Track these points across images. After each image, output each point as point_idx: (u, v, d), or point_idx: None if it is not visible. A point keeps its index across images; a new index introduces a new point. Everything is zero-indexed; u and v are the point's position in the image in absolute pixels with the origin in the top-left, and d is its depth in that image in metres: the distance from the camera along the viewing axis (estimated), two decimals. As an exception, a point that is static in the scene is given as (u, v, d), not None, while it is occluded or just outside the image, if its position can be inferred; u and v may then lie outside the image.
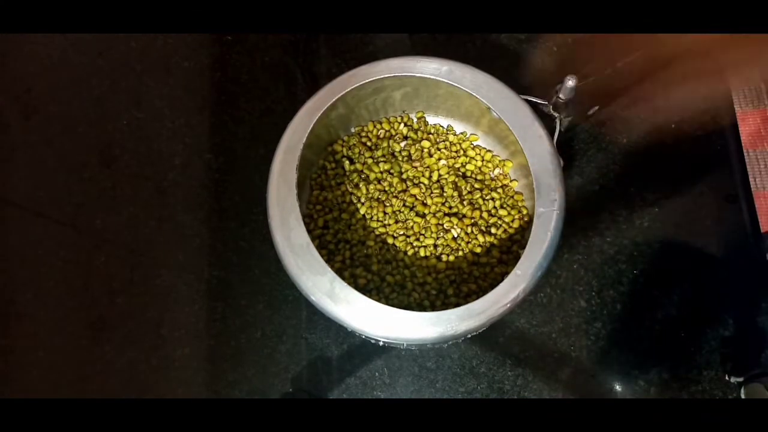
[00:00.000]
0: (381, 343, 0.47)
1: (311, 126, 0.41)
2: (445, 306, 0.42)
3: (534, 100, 0.43)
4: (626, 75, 0.46)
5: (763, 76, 0.51)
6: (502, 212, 0.45)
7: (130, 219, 0.51)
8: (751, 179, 0.50)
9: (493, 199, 0.45)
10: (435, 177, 0.46)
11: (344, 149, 0.47)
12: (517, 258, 0.37)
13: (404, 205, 0.45)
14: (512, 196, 0.46)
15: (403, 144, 0.48)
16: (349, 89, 0.41)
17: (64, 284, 0.50)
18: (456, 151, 0.47)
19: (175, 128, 0.54)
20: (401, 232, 0.44)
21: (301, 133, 0.40)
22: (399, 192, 0.46)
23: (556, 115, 0.44)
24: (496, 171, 0.47)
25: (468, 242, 0.44)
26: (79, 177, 0.52)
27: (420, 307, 0.42)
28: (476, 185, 0.46)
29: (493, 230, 0.44)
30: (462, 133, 0.48)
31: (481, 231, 0.44)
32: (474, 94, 0.41)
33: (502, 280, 0.37)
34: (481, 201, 0.45)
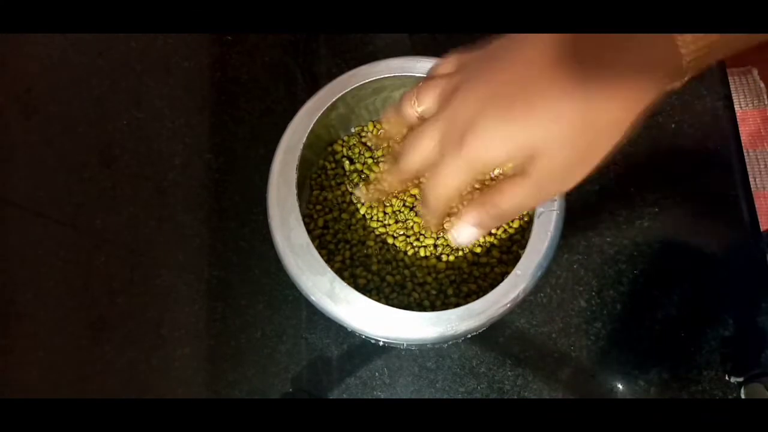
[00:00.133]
0: (381, 343, 0.47)
1: (311, 126, 0.41)
2: (445, 306, 0.42)
3: (534, 100, 0.43)
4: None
5: (763, 76, 0.51)
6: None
7: (130, 219, 0.51)
8: (751, 179, 0.50)
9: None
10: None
11: (344, 149, 0.47)
12: (517, 258, 0.37)
13: (404, 205, 0.45)
14: (512, 196, 0.46)
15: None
16: (349, 89, 0.41)
17: (64, 284, 0.50)
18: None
19: (175, 128, 0.54)
20: (401, 232, 0.44)
21: (301, 133, 0.40)
22: (399, 192, 0.46)
23: (556, 115, 0.43)
24: (496, 171, 0.47)
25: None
26: (79, 177, 0.52)
27: (420, 307, 0.42)
28: (476, 185, 0.46)
29: (493, 230, 0.44)
30: (462, 133, 0.48)
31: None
32: (474, 94, 0.41)
33: (502, 280, 0.37)
34: (481, 201, 0.45)
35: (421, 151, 0.31)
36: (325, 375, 0.48)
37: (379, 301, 0.37)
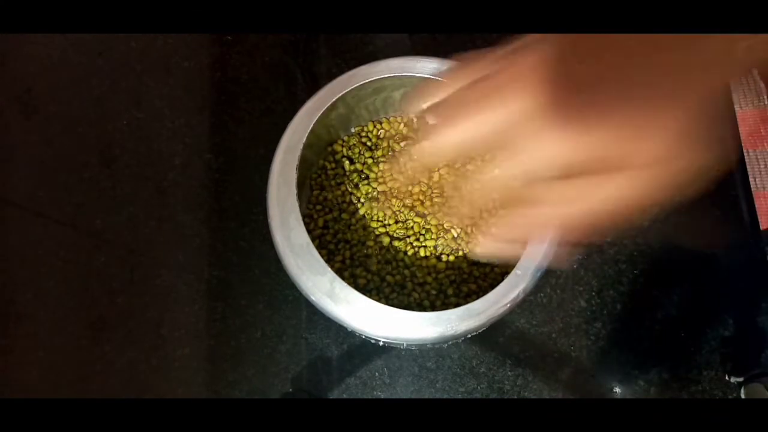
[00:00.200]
0: (381, 343, 0.47)
1: (311, 126, 0.41)
2: (445, 306, 0.42)
3: (534, 100, 0.43)
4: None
5: (763, 76, 0.51)
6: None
7: (130, 219, 0.51)
8: (751, 179, 0.50)
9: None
10: (435, 177, 0.46)
11: (344, 149, 0.47)
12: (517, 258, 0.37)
13: (404, 205, 0.45)
14: (512, 196, 0.46)
15: (403, 144, 0.48)
16: (349, 89, 0.41)
17: (64, 284, 0.50)
18: (456, 151, 0.47)
19: (175, 128, 0.54)
20: (401, 232, 0.44)
21: (301, 133, 0.40)
22: (398, 190, 0.46)
23: (556, 115, 0.43)
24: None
25: (468, 242, 0.44)
26: (79, 177, 0.52)
27: (420, 307, 0.42)
28: (476, 185, 0.46)
29: (493, 230, 0.44)
30: (462, 133, 0.48)
31: (481, 231, 0.44)
32: (474, 94, 0.41)
33: (502, 280, 0.37)
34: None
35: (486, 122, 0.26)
36: (325, 375, 0.48)
37: (379, 301, 0.37)
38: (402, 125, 0.48)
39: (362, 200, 0.46)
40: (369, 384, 0.47)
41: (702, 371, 0.47)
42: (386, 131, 0.48)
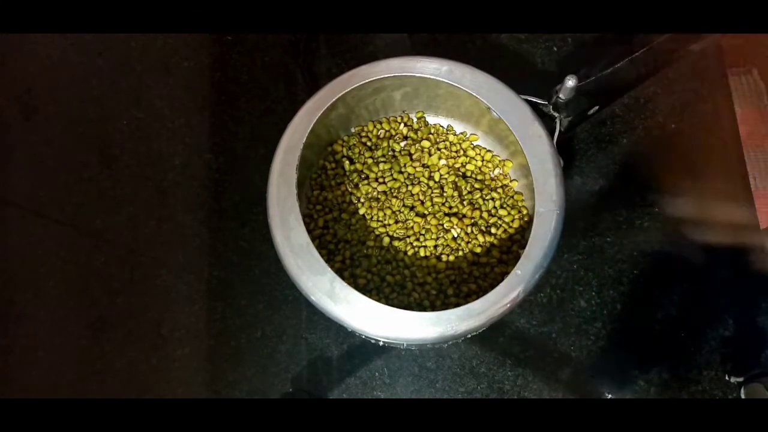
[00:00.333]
0: (381, 343, 0.47)
1: (311, 126, 0.41)
2: (445, 306, 0.42)
3: (534, 100, 0.43)
4: (626, 75, 0.46)
5: (763, 76, 0.51)
6: (502, 212, 0.45)
7: (130, 219, 0.51)
8: (751, 179, 0.50)
9: (493, 199, 0.45)
10: (436, 177, 0.46)
11: (344, 149, 0.47)
12: (517, 258, 0.37)
13: (404, 205, 0.45)
14: (512, 196, 0.46)
15: (403, 144, 0.48)
16: (349, 89, 0.41)
17: (64, 284, 0.50)
18: (456, 151, 0.47)
19: (175, 128, 0.54)
20: (401, 232, 0.44)
21: (301, 133, 0.40)
22: (398, 190, 0.46)
23: (556, 115, 0.44)
24: (496, 171, 0.47)
25: (468, 242, 0.44)
26: (79, 177, 0.52)
27: (420, 307, 0.42)
28: (476, 185, 0.46)
29: (493, 230, 0.44)
30: (462, 133, 0.48)
31: (481, 231, 0.44)
32: (474, 94, 0.41)
33: (502, 280, 0.37)
34: (481, 201, 0.45)
35: None
36: (325, 375, 0.48)
37: (379, 301, 0.37)
38: (402, 125, 0.48)
39: (362, 200, 0.46)
40: (369, 384, 0.47)
41: (702, 371, 0.47)
42: (386, 131, 0.48)
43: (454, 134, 0.48)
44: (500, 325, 0.48)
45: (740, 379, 0.46)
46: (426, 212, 0.45)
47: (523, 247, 0.38)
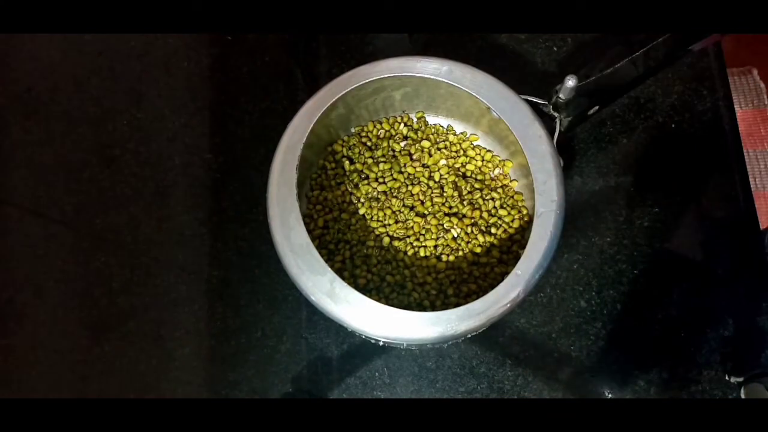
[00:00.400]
0: (381, 343, 0.47)
1: (311, 126, 0.41)
2: (445, 306, 0.42)
3: (534, 100, 0.43)
4: (626, 75, 0.46)
5: (763, 76, 0.51)
6: (502, 212, 0.45)
7: (130, 219, 0.51)
8: (751, 179, 0.50)
9: (493, 199, 0.45)
10: (436, 177, 0.46)
11: (344, 149, 0.47)
12: (517, 258, 0.37)
13: (404, 205, 0.45)
14: (512, 196, 0.46)
15: (403, 144, 0.48)
16: (349, 89, 0.41)
17: (64, 284, 0.50)
18: (456, 151, 0.47)
19: (175, 128, 0.54)
20: (401, 232, 0.45)
21: (301, 133, 0.40)
22: (398, 190, 0.46)
23: (556, 115, 0.44)
24: (496, 171, 0.47)
25: (468, 242, 0.44)
26: (79, 177, 0.52)
27: (420, 307, 0.42)
28: (476, 185, 0.46)
29: (493, 230, 0.44)
30: (462, 133, 0.48)
31: (481, 231, 0.44)
32: (474, 94, 0.41)
33: (502, 280, 0.37)
34: (481, 201, 0.45)
35: None
36: (325, 375, 0.48)
37: (379, 301, 0.37)
38: (402, 125, 0.48)
39: (362, 200, 0.46)
40: (369, 384, 0.47)
41: (702, 371, 0.47)
42: (386, 131, 0.48)
43: (454, 134, 0.48)
44: (500, 325, 0.48)
45: (740, 379, 0.46)
46: (426, 212, 0.45)
47: (523, 247, 0.38)
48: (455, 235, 0.44)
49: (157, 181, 0.52)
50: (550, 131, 0.41)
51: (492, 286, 0.37)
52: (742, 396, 0.45)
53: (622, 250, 0.49)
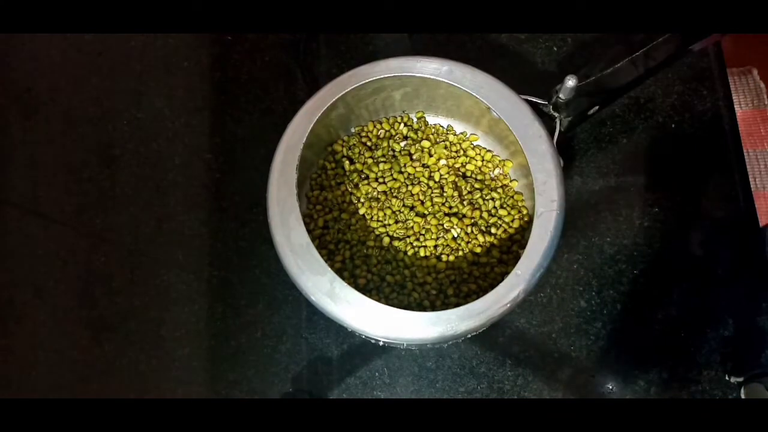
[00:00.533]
0: (381, 343, 0.47)
1: (311, 126, 0.41)
2: (445, 306, 0.42)
3: (534, 100, 0.43)
4: (626, 75, 0.46)
5: (763, 76, 0.51)
6: (502, 212, 0.45)
7: (130, 219, 0.51)
8: (751, 179, 0.50)
9: (493, 199, 0.45)
10: (436, 177, 0.46)
11: (344, 149, 0.47)
12: (517, 258, 0.37)
13: (404, 205, 0.45)
14: (512, 196, 0.46)
15: (403, 144, 0.48)
16: (349, 89, 0.41)
17: (64, 284, 0.50)
18: (456, 151, 0.47)
19: (175, 128, 0.54)
20: (401, 232, 0.45)
21: (301, 133, 0.40)
22: (398, 190, 0.46)
23: (556, 115, 0.44)
24: (496, 171, 0.47)
25: (468, 242, 0.44)
26: (79, 177, 0.52)
27: (420, 307, 0.42)
28: (476, 185, 0.46)
29: (493, 230, 0.44)
30: (462, 133, 0.48)
31: (481, 231, 0.44)
32: (474, 94, 0.41)
33: (502, 280, 0.37)
34: (481, 201, 0.45)
35: None
36: (325, 375, 0.48)
37: (379, 301, 0.37)
38: (402, 125, 0.48)
39: (362, 200, 0.46)
40: (369, 384, 0.47)
41: (702, 371, 0.47)
42: (386, 131, 0.48)
43: (454, 134, 0.48)
44: (500, 325, 0.48)
45: (740, 379, 0.46)
46: (426, 212, 0.45)
47: (523, 247, 0.38)
48: (455, 235, 0.44)
49: (157, 181, 0.52)
50: (550, 131, 0.41)
51: (492, 286, 0.37)
52: (742, 396, 0.45)
53: (622, 250, 0.49)
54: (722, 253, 0.49)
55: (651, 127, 0.52)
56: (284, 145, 0.40)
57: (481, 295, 0.37)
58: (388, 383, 0.47)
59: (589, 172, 0.51)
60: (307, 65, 0.55)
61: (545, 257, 0.37)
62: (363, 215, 0.45)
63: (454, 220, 0.44)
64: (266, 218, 0.39)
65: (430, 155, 0.47)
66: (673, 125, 0.52)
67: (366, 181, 0.46)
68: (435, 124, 0.49)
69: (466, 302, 0.36)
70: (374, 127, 0.48)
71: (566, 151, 0.52)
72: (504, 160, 0.47)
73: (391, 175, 0.46)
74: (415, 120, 0.49)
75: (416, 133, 0.48)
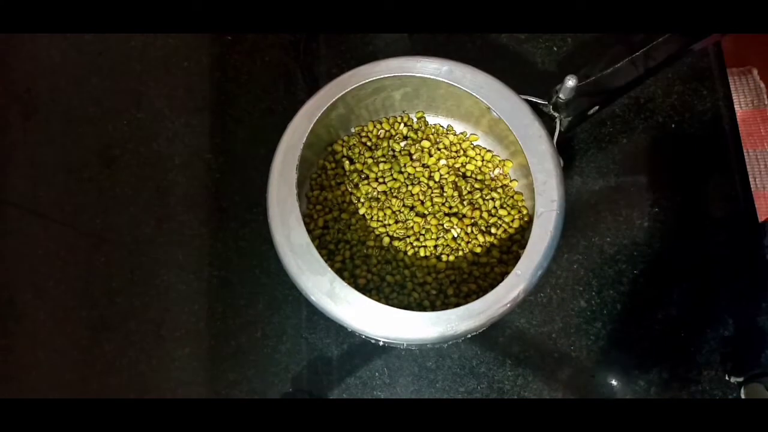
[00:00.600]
0: (381, 343, 0.47)
1: (311, 126, 0.41)
2: (445, 306, 0.42)
3: (534, 100, 0.43)
4: (626, 75, 0.46)
5: (763, 76, 0.51)
6: (502, 212, 0.45)
7: (130, 219, 0.51)
8: (751, 179, 0.50)
9: (493, 199, 0.45)
10: (436, 177, 0.46)
11: (344, 149, 0.47)
12: (517, 258, 0.37)
13: (404, 205, 0.45)
14: (512, 196, 0.46)
15: (403, 144, 0.48)
16: (349, 89, 0.41)
17: (64, 284, 0.50)
18: (456, 151, 0.47)
19: (175, 128, 0.54)
20: (401, 232, 0.44)
21: (301, 133, 0.40)
22: (398, 190, 0.46)
23: (556, 115, 0.44)
24: (496, 171, 0.47)
25: (468, 242, 0.44)
26: (79, 177, 0.52)
27: (420, 307, 0.42)
28: (476, 185, 0.46)
29: (493, 230, 0.44)
30: (462, 133, 0.48)
31: (481, 231, 0.44)
32: (474, 94, 0.41)
33: (502, 280, 0.37)
34: (481, 201, 0.45)
35: None
36: (325, 375, 0.48)
37: (379, 301, 0.37)
38: (402, 125, 0.48)
39: (362, 200, 0.46)
40: (369, 384, 0.47)
41: (702, 371, 0.47)
42: (386, 131, 0.48)
43: (454, 134, 0.48)
44: (500, 325, 0.48)
45: (740, 379, 0.46)
46: (426, 212, 0.45)
47: (523, 247, 0.38)
48: (455, 235, 0.44)
49: (157, 181, 0.52)
50: (550, 131, 0.41)
51: (492, 286, 0.37)
52: (742, 396, 0.45)
53: (622, 250, 0.49)
54: (722, 252, 0.49)
55: (651, 127, 0.52)
56: (284, 145, 0.40)
57: (481, 295, 0.37)
58: (388, 383, 0.47)
59: (589, 172, 0.51)
60: (307, 65, 0.55)
61: (545, 257, 0.37)
62: (363, 215, 0.45)
63: (454, 220, 0.44)
64: (266, 218, 0.39)
65: (430, 155, 0.47)
66: (673, 125, 0.52)
67: (366, 181, 0.46)
68: (435, 124, 0.49)
69: (466, 302, 0.36)
70: (374, 127, 0.48)
71: (566, 151, 0.52)
72: (504, 160, 0.47)
73: (391, 175, 0.46)
74: (415, 120, 0.49)
75: (416, 133, 0.48)
